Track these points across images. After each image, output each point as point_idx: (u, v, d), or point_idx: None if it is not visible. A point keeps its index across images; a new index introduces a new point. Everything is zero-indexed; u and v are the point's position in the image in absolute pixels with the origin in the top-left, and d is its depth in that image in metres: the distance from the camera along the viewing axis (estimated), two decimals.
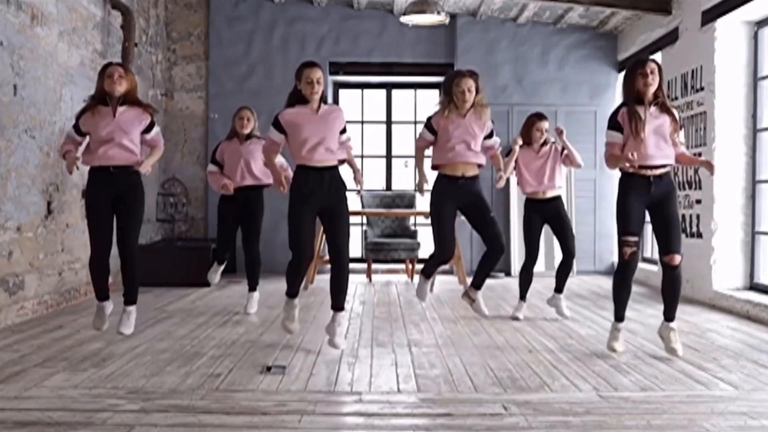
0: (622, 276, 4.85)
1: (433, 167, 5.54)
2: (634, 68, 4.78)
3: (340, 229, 4.96)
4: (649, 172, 4.71)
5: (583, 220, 9.68)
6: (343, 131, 5.01)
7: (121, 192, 4.92)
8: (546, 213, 6.22)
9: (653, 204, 4.76)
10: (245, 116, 6.43)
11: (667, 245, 4.73)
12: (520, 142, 6.24)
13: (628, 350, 4.98)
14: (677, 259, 4.72)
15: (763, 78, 7.03)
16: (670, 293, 4.83)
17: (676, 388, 4.03)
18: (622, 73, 9.62)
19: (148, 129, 5.04)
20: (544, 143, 6.26)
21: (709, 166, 4.86)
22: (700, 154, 7.35)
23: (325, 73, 5.14)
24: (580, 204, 9.73)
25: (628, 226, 4.74)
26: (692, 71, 7.62)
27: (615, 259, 9.75)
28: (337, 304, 5.03)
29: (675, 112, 4.80)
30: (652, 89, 4.72)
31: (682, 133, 4.87)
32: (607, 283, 8.84)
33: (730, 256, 7.11)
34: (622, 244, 4.77)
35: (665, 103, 4.78)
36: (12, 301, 5.77)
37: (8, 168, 5.72)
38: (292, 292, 5.15)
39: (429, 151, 5.65)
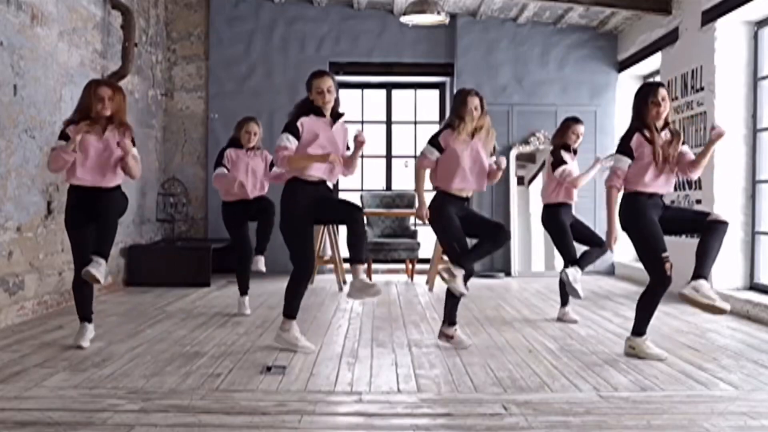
0: (663, 293, 4.74)
1: (436, 188, 5.13)
2: (647, 95, 4.76)
3: (340, 203, 5.00)
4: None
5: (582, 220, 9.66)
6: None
7: (99, 207, 4.82)
8: (570, 215, 6.32)
9: (662, 217, 4.78)
10: (252, 131, 6.32)
11: (703, 215, 4.77)
12: (609, 161, 6.17)
13: None
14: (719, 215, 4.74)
15: (763, 78, 7.02)
16: (718, 245, 4.62)
17: (676, 388, 4.03)
18: (623, 74, 9.73)
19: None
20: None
21: (716, 134, 4.73)
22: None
23: (335, 80, 4.89)
24: (580, 204, 9.68)
25: (662, 245, 4.69)
26: (692, 71, 7.62)
27: (615, 259, 9.75)
28: (359, 257, 4.70)
29: (680, 134, 4.86)
30: (664, 115, 4.77)
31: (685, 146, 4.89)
32: (607, 283, 8.84)
33: (730, 256, 7.10)
34: (662, 262, 4.65)
35: (672, 129, 4.84)
36: (12, 301, 5.77)
37: (8, 168, 5.72)
38: (293, 313, 4.91)
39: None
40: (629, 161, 4.78)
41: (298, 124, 4.76)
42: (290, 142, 4.72)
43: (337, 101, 4.89)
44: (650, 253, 4.70)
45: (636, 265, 8.55)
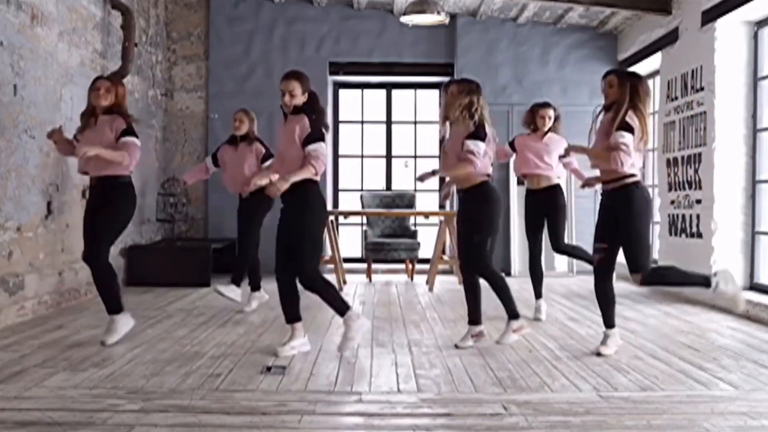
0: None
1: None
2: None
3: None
4: None
5: (582, 220, 9.67)
6: None
7: (97, 200, 5.02)
8: None
9: None
10: (237, 117, 6.51)
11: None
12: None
13: (628, 350, 4.98)
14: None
15: (763, 78, 7.02)
16: None
17: (676, 388, 4.03)
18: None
19: (121, 135, 4.90)
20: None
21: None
22: (700, 154, 7.37)
23: (304, 82, 4.70)
24: (581, 204, 9.72)
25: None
26: (692, 71, 7.62)
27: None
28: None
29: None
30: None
31: None
32: None
33: (730, 256, 7.10)
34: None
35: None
36: (12, 301, 5.77)
37: (8, 168, 5.72)
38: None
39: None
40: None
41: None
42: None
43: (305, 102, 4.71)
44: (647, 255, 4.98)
45: None
